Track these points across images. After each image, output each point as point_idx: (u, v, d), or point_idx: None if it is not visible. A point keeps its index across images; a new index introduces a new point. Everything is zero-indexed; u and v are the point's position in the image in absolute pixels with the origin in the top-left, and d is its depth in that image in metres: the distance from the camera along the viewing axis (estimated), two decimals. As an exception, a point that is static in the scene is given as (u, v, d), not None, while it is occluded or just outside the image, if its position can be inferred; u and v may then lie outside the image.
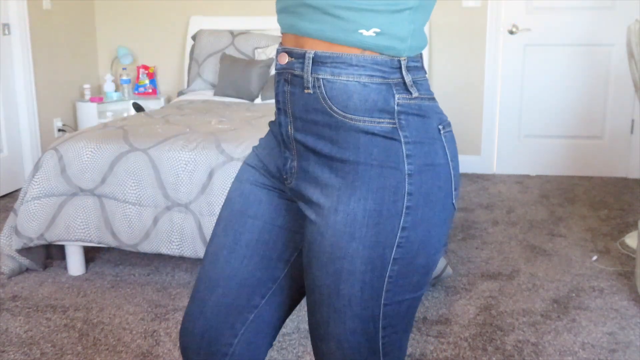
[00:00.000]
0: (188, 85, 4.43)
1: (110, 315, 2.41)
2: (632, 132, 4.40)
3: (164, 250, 2.55)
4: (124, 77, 4.77)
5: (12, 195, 4.02)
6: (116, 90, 4.82)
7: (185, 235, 2.53)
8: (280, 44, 1.02)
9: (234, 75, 4.10)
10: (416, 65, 0.98)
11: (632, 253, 2.98)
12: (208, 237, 2.50)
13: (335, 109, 0.94)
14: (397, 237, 0.95)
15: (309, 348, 2.16)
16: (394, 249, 0.95)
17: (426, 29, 4.42)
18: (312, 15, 0.93)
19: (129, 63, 4.83)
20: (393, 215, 0.94)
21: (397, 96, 0.94)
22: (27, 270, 2.82)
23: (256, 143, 2.60)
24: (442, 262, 2.48)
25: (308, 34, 0.95)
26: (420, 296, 1.03)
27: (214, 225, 2.48)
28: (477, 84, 4.52)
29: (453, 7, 4.44)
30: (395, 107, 0.94)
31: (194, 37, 4.53)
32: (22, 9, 4.08)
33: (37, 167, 2.66)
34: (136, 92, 4.86)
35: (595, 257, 2.94)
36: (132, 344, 2.19)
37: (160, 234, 2.55)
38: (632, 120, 4.39)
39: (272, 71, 4.11)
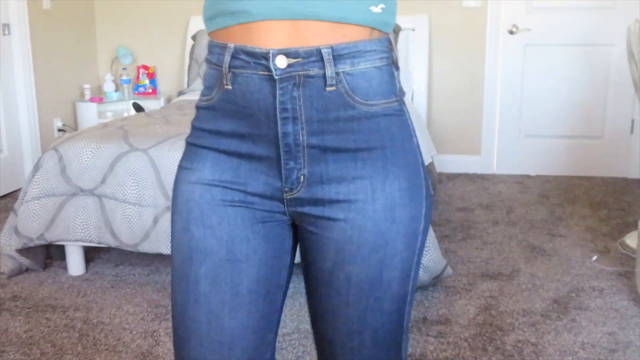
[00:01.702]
0: (188, 85, 4.43)
1: (110, 315, 2.41)
2: (632, 132, 4.40)
3: (164, 250, 2.55)
4: (124, 77, 4.77)
5: (12, 195, 4.02)
6: (116, 90, 4.83)
7: (185, 235, 2.52)
8: (239, 43, 0.91)
9: (234, 75, 4.09)
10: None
11: (632, 253, 2.98)
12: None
13: (358, 99, 0.92)
14: (424, 207, 0.98)
15: (309, 348, 2.16)
16: (422, 220, 0.98)
17: (426, 29, 4.42)
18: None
19: (129, 63, 4.84)
20: (419, 187, 0.97)
21: (395, 73, 0.97)
22: (27, 270, 2.82)
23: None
24: (442, 262, 2.48)
25: (314, 15, 0.87)
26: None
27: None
28: (477, 84, 4.52)
29: (453, 7, 4.44)
30: (397, 84, 0.97)
31: (194, 37, 4.53)
32: (22, 9, 4.08)
33: (37, 167, 2.66)
34: (136, 92, 4.87)
35: (595, 257, 2.94)
36: (132, 344, 2.19)
37: (160, 234, 2.54)
38: (632, 120, 4.39)
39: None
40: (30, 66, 4.17)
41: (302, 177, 0.95)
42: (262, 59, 0.88)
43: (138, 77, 4.86)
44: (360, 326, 0.99)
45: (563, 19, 4.34)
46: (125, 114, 4.62)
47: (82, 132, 2.77)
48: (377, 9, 0.91)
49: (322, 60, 0.89)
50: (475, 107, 4.55)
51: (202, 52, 4.40)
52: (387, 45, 0.95)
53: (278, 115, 0.91)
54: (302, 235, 1.00)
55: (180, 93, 4.37)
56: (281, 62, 0.88)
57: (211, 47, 0.95)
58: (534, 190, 4.13)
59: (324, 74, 0.89)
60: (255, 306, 1.00)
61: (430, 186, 1.01)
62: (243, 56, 0.90)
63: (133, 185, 2.56)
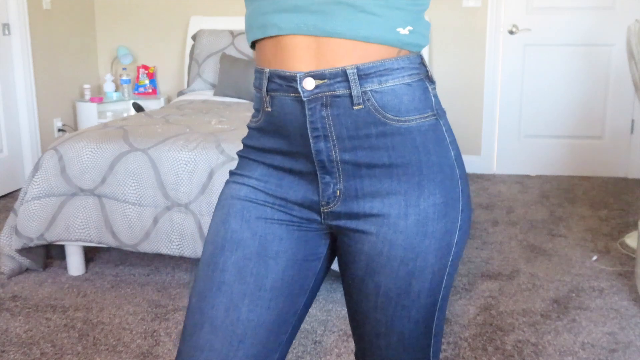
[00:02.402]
0: (188, 85, 4.43)
1: (110, 315, 2.41)
2: (632, 132, 4.40)
3: (164, 250, 2.55)
4: (124, 77, 4.77)
5: (12, 195, 4.02)
6: (116, 90, 4.83)
7: (185, 235, 2.53)
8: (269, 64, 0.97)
9: (234, 75, 4.10)
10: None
11: (632, 253, 2.98)
12: (208, 237, 2.50)
13: (389, 115, 0.95)
14: (459, 220, 1.00)
15: (309, 348, 2.16)
16: (457, 232, 1.00)
17: (426, 29, 4.43)
18: (343, 14, 0.90)
19: (129, 63, 4.84)
20: (455, 200, 0.99)
21: (430, 87, 0.99)
22: (27, 270, 2.82)
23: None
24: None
25: (337, 33, 0.91)
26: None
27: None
28: (477, 84, 4.52)
29: (453, 7, 4.44)
30: (433, 99, 0.99)
31: (194, 37, 4.53)
32: (22, 9, 4.09)
33: (37, 167, 2.66)
34: (136, 92, 4.87)
35: (595, 257, 2.94)
36: (132, 344, 2.19)
37: (160, 234, 2.55)
38: (632, 120, 4.39)
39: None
40: (30, 66, 4.17)
41: (338, 191, 0.99)
42: (292, 81, 0.93)
43: (138, 77, 4.86)
44: (387, 329, 1.04)
45: (563, 19, 4.34)
46: (125, 114, 4.62)
47: (82, 132, 2.77)
48: (404, 31, 0.94)
49: (347, 80, 0.92)
50: (475, 107, 4.55)
51: (202, 52, 4.40)
52: (418, 62, 0.97)
53: (310, 134, 0.95)
54: (338, 244, 1.05)
55: (180, 93, 4.37)
56: (309, 84, 0.93)
57: (255, 72, 1.01)
58: (534, 190, 4.13)
59: (350, 93, 0.93)
60: (275, 304, 1.02)
61: (469, 199, 1.02)
62: (277, 80, 0.95)
63: (133, 185, 2.56)
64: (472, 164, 4.61)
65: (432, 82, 1.00)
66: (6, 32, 4.02)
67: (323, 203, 1.01)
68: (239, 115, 3.30)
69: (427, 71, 0.99)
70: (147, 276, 2.77)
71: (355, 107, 0.93)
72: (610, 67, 4.34)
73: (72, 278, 2.76)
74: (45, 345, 2.19)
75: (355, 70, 0.92)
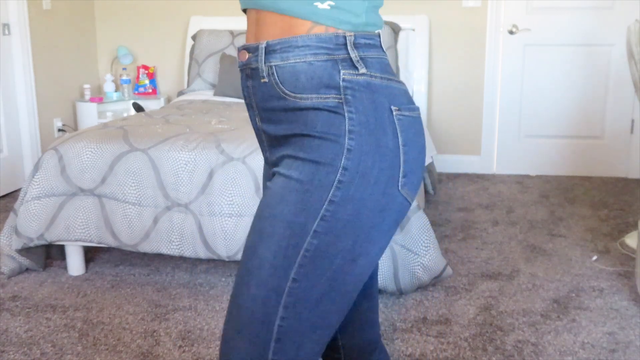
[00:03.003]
0: (188, 85, 4.43)
1: (110, 315, 2.41)
2: (632, 132, 4.40)
3: (164, 250, 2.55)
4: (124, 77, 4.77)
5: (12, 195, 4.02)
6: (116, 90, 4.82)
7: (185, 235, 2.53)
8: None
9: (234, 75, 4.10)
10: (369, 43, 0.99)
11: (632, 253, 2.98)
12: (208, 238, 2.50)
13: (287, 91, 0.97)
14: (323, 208, 0.93)
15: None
16: (317, 220, 0.93)
17: (426, 29, 4.42)
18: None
19: (129, 63, 4.83)
20: (324, 185, 0.93)
21: (342, 72, 0.96)
22: (27, 270, 2.82)
23: (256, 143, 2.60)
24: (442, 262, 2.48)
25: (264, 5, 0.97)
26: (341, 295, 0.96)
27: (216, 225, 2.49)
28: (477, 84, 4.52)
29: (453, 7, 4.44)
30: (341, 83, 0.96)
31: (194, 37, 4.52)
32: (22, 9, 4.08)
33: (37, 167, 2.66)
34: (136, 92, 4.86)
35: (595, 257, 2.94)
36: (132, 344, 2.19)
37: (160, 234, 2.54)
38: (632, 120, 4.39)
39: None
40: (30, 66, 4.17)
41: (267, 157, 1.08)
42: (238, 55, 1.04)
43: (138, 77, 4.86)
44: (234, 293, 1.02)
45: (563, 19, 4.34)
46: (125, 114, 4.62)
47: (82, 132, 2.77)
48: (323, 5, 0.95)
49: (258, 54, 0.99)
50: (475, 107, 4.55)
51: (202, 52, 4.40)
52: (333, 43, 0.96)
53: (244, 101, 1.07)
54: None
55: (180, 93, 4.37)
56: (242, 56, 1.02)
57: None
58: (534, 190, 4.13)
59: (258, 67, 0.99)
60: None
61: (346, 197, 0.95)
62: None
63: (133, 185, 2.56)
64: (472, 164, 4.61)
65: (352, 66, 0.96)
66: (6, 32, 4.02)
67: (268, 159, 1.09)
68: (239, 115, 3.30)
69: (348, 54, 0.96)
70: (147, 276, 2.77)
71: (262, 80, 1.00)
72: (610, 67, 4.34)
73: (72, 278, 2.75)
74: (45, 345, 2.19)
75: (265, 45, 0.98)
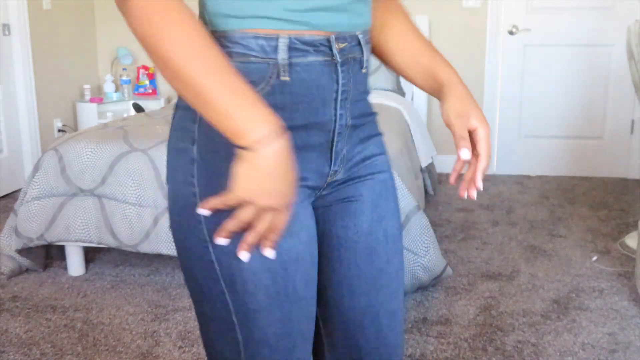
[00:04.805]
0: (188, 86, 4.43)
1: (110, 316, 2.41)
2: (632, 132, 4.40)
3: (164, 250, 2.55)
4: (124, 78, 4.77)
5: (12, 195, 4.02)
6: (116, 91, 4.82)
7: (185, 235, 2.52)
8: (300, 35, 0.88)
9: (234, 75, 4.09)
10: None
11: (632, 253, 2.98)
12: (208, 238, 2.50)
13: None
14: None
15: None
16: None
17: (426, 29, 4.42)
18: (362, 9, 0.93)
19: (129, 63, 4.83)
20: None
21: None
22: (27, 270, 2.82)
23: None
24: (442, 263, 2.48)
25: (358, 28, 0.93)
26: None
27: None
28: (477, 85, 4.52)
29: (453, 7, 4.44)
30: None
31: (194, 38, 4.52)
32: (22, 9, 4.09)
33: (37, 167, 2.66)
34: (136, 92, 4.86)
35: (595, 258, 2.94)
36: (132, 345, 2.19)
37: (160, 234, 2.54)
38: (632, 121, 4.39)
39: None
40: (30, 66, 4.17)
41: (343, 156, 0.97)
42: (320, 45, 0.88)
43: (138, 78, 4.86)
44: (391, 295, 1.07)
45: (563, 19, 4.34)
46: (125, 115, 4.62)
47: (82, 133, 2.77)
48: None
49: (360, 44, 0.93)
50: (475, 107, 4.54)
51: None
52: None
53: (341, 95, 0.92)
54: (325, 218, 1.03)
55: (180, 93, 4.37)
56: (339, 45, 0.90)
57: (260, 39, 0.88)
58: (534, 190, 4.13)
59: (362, 57, 0.94)
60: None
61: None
62: (300, 45, 0.88)
63: (133, 185, 2.56)
64: (472, 164, 4.61)
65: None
66: (6, 32, 4.02)
67: (332, 173, 0.95)
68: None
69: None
70: (147, 276, 2.77)
71: (362, 71, 0.95)
72: (610, 67, 4.34)
73: (72, 278, 2.76)
74: (45, 345, 2.19)
75: (362, 36, 0.94)
